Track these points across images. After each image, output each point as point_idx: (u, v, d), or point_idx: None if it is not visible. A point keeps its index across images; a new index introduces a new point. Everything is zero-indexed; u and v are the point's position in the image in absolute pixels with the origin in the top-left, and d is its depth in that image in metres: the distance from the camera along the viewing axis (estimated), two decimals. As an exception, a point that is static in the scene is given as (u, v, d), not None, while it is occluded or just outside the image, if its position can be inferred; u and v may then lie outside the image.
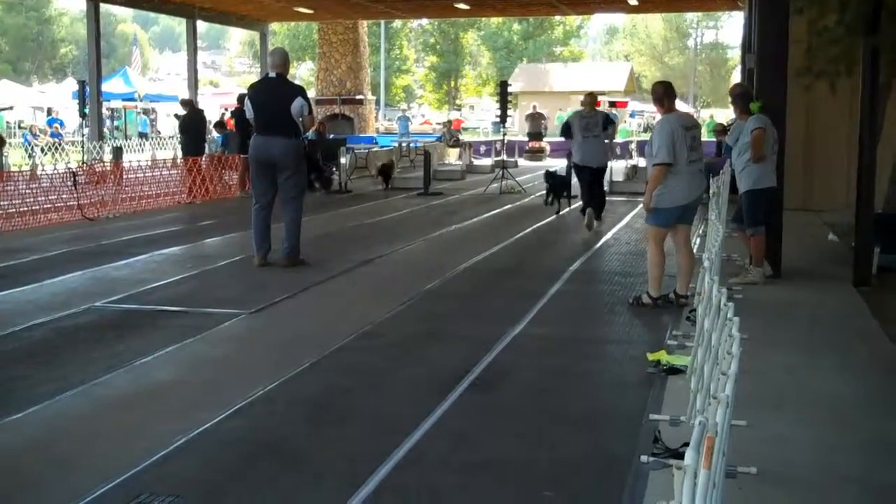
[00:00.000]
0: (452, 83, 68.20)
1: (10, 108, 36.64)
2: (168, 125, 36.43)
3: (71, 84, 38.23)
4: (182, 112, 19.18)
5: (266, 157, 9.69)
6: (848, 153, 12.15)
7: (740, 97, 8.98)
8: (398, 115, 41.39)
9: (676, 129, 7.64)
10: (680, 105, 58.27)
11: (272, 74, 9.89)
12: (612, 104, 37.52)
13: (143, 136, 34.17)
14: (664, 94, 7.85)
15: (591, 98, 13.40)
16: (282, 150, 9.61)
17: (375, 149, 26.53)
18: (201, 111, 19.64)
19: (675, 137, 7.60)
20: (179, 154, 20.58)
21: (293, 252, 9.80)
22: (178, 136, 19.94)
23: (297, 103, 9.58)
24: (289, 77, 10.54)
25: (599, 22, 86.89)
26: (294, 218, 9.78)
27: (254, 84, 10.74)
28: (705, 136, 31.62)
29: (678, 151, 7.59)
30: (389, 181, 19.88)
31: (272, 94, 9.76)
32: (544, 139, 33.06)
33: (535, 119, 33.32)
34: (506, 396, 5.52)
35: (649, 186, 7.80)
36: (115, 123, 36.80)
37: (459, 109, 61.57)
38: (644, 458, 4.17)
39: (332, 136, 24.36)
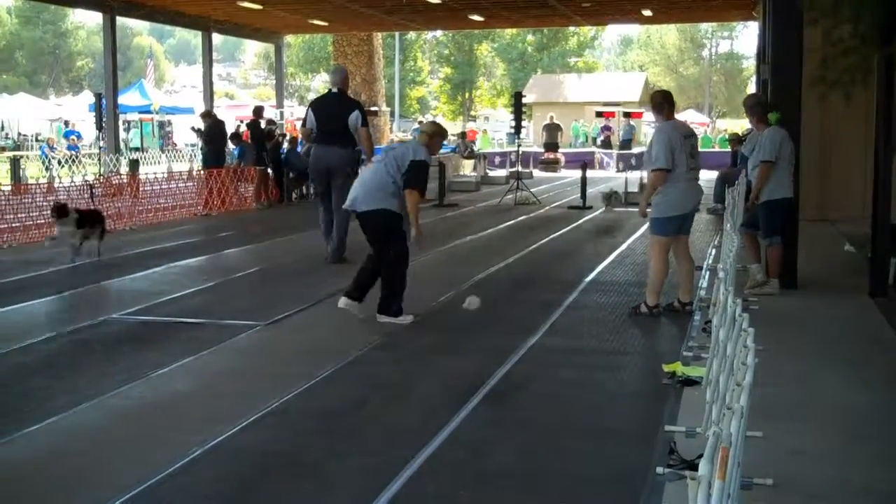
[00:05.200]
0: (467, 94, 68.26)
1: None
2: (183, 138, 36.50)
3: (87, 97, 38.44)
4: (202, 124, 19.25)
5: (324, 165, 10.71)
6: (864, 163, 12.08)
7: (757, 107, 8.96)
8: (413, 127, 41.42)
9: (675, 136, 7.70)
10: (695, 115, 57.55)
11: (334, 90, 11.04)
12: (627, 115, 37.50)
13: (136, 150, 33.81)
14: (663, 101, 7.91)
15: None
16: (338, 158, 10.61)
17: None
18: (222, 122, 19.72)
19: (674, 144, 7.65)
20: (196, 165, 20.66)
21: (340, 249, 10.68)
22: (202, 146, 19.95)
23: (353, 115, 10.61)
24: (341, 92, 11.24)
25: (614, 33, 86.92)
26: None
27: (317, 98, 11.96)
28: (719, 148, 31.41)
29: (677, 158, 7.65)
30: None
31: (333, 107, 10.84)
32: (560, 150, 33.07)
33: (552, 129, 33.33)
34: (521, 407, 5.53)
35: (646, 192, 8.01)
36: (131, 136, 36.84)
37: (475, 120, 61.55)
38: (660, 469, 4.17)
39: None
